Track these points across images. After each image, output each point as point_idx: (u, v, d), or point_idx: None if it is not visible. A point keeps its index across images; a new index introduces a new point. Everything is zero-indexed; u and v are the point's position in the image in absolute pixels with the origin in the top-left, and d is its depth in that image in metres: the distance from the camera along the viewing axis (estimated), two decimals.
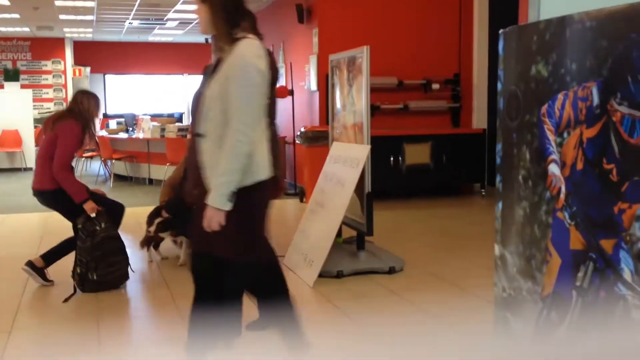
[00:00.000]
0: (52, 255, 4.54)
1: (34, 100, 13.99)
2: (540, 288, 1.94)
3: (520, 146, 2.00)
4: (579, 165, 1.78)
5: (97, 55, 16.46)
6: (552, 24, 1.91)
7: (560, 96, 1.85)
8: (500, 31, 2.17)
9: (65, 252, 4.53)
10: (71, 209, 4.38)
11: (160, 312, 4.08)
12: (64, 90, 15.58)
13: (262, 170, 2.65)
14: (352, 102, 5.14)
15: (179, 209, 5.03)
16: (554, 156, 1.87)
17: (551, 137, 1.89)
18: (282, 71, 10.15)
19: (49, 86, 15.49)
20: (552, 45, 1.88)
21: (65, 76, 15.57)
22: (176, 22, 13.19)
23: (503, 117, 2.10)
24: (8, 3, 10.48)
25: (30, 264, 4.49)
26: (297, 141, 8.58)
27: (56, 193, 4.36)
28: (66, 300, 4.22)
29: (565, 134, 1.85)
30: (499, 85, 2.14)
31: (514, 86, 2.04)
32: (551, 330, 1.87)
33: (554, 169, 1.87)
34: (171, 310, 4.03)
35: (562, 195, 1.84)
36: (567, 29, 1.85)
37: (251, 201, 2.64)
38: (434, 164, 8.32)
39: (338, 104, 5.48)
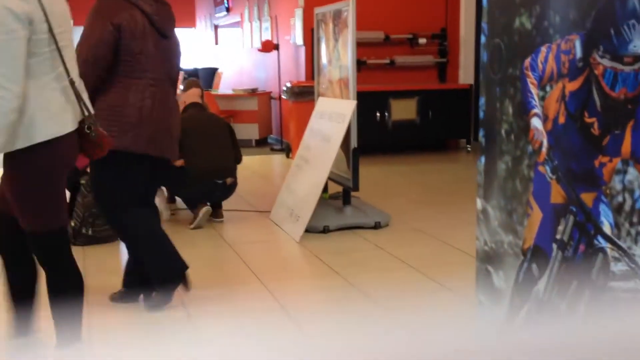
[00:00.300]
0: None
1: None
2: (521, 242, 1.96)
3: (503, 100, 2.00)
4: (561, 119, 1.78)
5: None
6: None
7: (543, 49, 1.83)
8: None
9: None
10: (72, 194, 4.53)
11: None
12: None
13: (44, 129, 2.30)
14: (338, 57, 5.09)
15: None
16: (537, 110, 1.87)
17: (534, 90, 1.88)
18: (267, 25, 10.00)
19: None
20: None
21: None
22: None
23: (486, 70, 2.09)
24: None
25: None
26: (283, 96, 8.52)
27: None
28: None
29: (548, 88, 1.84)
30: (483, 38, 2.12)
31: (498, 39, 2.02)
32: (531, 283, 1.89)
33: (536, 122, 1.87)
34: None
35: (544, 149, 1.85)
36: None
37: (36, 163, 2.35)
38: (420, 119, 8.31)
39: (324, 59, 5.43)
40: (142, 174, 3.20)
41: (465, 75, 8.86)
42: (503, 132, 2.00)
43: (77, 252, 4.22)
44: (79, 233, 4.41)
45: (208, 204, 4.99)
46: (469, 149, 8.61)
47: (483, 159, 2.14)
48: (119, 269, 4.08)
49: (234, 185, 5.15)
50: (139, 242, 3.29)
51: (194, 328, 3.12)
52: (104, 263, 4.15)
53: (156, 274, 3.27)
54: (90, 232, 4.46)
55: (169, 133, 3.22)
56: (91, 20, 3.04)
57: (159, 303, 3.27)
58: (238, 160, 5.27)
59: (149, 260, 3.28)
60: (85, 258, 4.16)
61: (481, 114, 2.14)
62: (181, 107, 5.31)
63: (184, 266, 3.34)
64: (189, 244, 4.59)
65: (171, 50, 3.27)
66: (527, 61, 1.88)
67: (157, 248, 3.30)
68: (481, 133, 2.14)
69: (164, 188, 5.36)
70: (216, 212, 5.14)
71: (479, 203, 2.15)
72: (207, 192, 5.02)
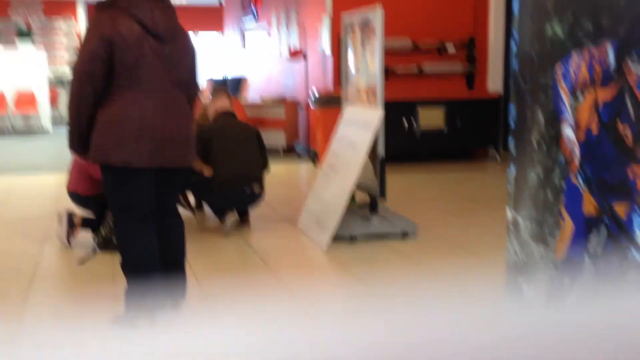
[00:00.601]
0: (91, 221, 4.66)
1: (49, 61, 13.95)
2: (553, 253, 1.92)
3: (535, 109, 1.96)
4: (594, 128, 1.74)
5: None
6: None
7: (575, 56, 1.80)
8: None
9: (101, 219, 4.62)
10: (101, 211, 4.60)
11: None
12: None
13: None
14: (366, 65, 5.08)
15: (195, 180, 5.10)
16: (568, 119, 1.83)
17: (565, 99, 1.84)
18: (295, 32, 10.03)
19: (62, 48, 15.44)
20: (568, 4, 1.83)
21: (80, 38, 15.53)
22: None
23: (517, 79, 2.06)
24: None
25: (70, 215, 4.58)
26: (310, 104, 8.52)
27: (88, 198, 4.62)
28: (82, 262, 4.28)
29: (580, 96, 1.81)
30: (513, 46, 2.09)
31: (529, 47, 1.99)
32: (563, 295, 1.85)
33: (568, 132, 1.83)
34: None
35: (576, 159, 1.81)
36: None
37: None
38: (448, 128, 8.25)
39: (351, 67, 5.42)
40: (144, 187, 3.09)
41: (494, 84, 8.78)
42: (534, 141, 1.96)
43: (107, 259, 4.28)
44: (110, 241, 4.44)
45: (235, 211, 5.01)
46: (498, 158, 8.52)
47: (513, 169, 2.10)
48: None
49: (261, 193, 5.16)
50: (123, 260, 3.20)
51: (219, 334, 3.11)
52: None
53: (126, 295, 3.17)
54: None
55: (174, 141, 3.08)
56: (86, 35, 3.01)
57: (125, 320, 3.14)
58: (266, 168, 5.28)
59: (127, 280, 3.19)
60: (114, 265, 4.19)
61: (512, 123, 2.11)
62: (212, 116, 5.35)
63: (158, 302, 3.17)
64: (216, 251, 4.61)
65: (175, 54, 3.11)
66: (559, 69, 1.85)
67: (137, 274, 3.15)
68: (511, 142, 2.11)
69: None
70: (243, 220, 5.15)
71: (509, 213, 2.12)
72: (234, 199, 5.04)
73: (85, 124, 2.99)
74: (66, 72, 14.72)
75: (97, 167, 4.46)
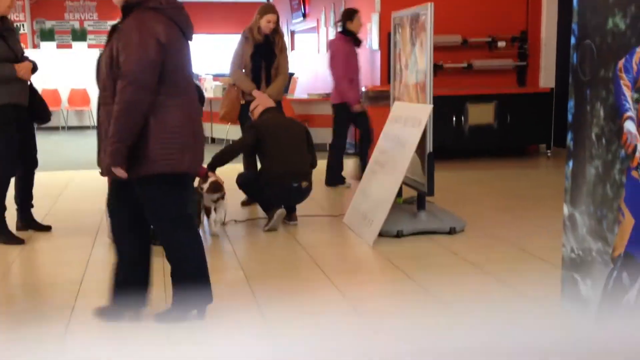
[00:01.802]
0: None
1: None
2: (611, 249, 1.88)
3: (594, 103, 1.92)
4: None
5: None
6: None
7: (639, 50, 1.76)
8: None
9: None
10: None
11: (224, 268, 4.18)
12: None
13: None
14: (415, 61, 5.04)
15: (250, 181, 5.17)
16: (631, 113, 1.79)
17: (628, 93, 1.80)
18: None
19: None
20: None
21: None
22: None
23: (576, 72, 2.02)
24: None
25: None
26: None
27: None
28: None
29: None
30: (572, 40, 2.05)
31: (589, 40, 1.95)
32: (622, 292, 1.81)
33: (629, 126, 1.79)
34: (235, 267, 4.13)
35: (638, 154, 1.77)
36: None
37: None
38: (498, 124, 8.13)
39: (400, 63, 5.39)
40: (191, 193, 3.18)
41: (546, 79, 8.61)
42: (593, 135, 1.92)
43: (157, 250, 4.37)
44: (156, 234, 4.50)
45: (283, 207, 5.05)
46: (549, 154, 8.35)
47: (571, 164, 2.07)
48: None
49: (308, 189, 5.18)
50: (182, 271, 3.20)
51: (267, 326, 3.15)
52: None
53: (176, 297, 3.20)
54: None
55: (203, 146, 3.12)
56: (135, 37, 2.79)
57: (172, 317, 3.16)
58: (313, 164, 5.30)
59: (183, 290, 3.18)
60: (164, 258, 4.27)
61: (570, 117, 2.07)
62: (259, 111, 5.41)
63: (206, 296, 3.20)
64: (264, 246, 4.66)
65: (190, 56, 3.10)
66: (621, 63, 1.81)
67: (199, 283, 3.19)
68: (569, 137, 2.07)
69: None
70: (290, 215, 5.19)
71: (566, 209, 2.08)
72: (282, 194, 5.07)
73: (137, 136, 2.84)
74: None
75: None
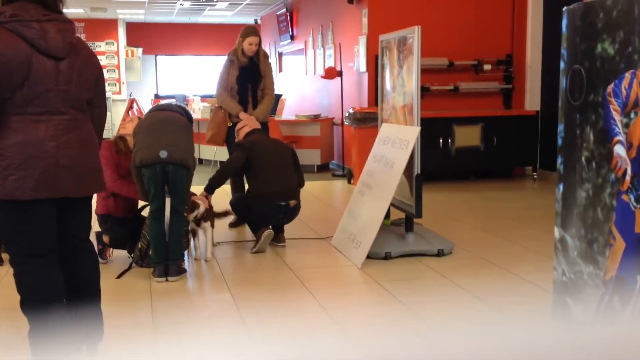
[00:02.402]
0: (123, 241, 4.72)
1: None
2: (603, 272, 1.88)
3: (584, 127, 1.94)
4: None
5: (149, 37, 16.70)
6: (619, 1, 1.84)
7: (627, 75, 1.78)
8: (564, 9, 2.10)
9: (135, 237, 4.63)
10: (134, 228, 4.65)
11: (212, 290, 4.15)
12: (117, 71, 15.87)
13: None
14: (402, 83, 5.08)
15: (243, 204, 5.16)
16: (620, 137, 1.81)
17: (617, 117, 1.82)
18: (330, 52, 10.10)
19: (102, 67, 15.81)
20: (620, 22, 1.81)
21: (118, 57, 15.85)
22: (226, 4, 13.25)
23: (565, 96, 2.04)
24: None
25: (98, 233, 4.64)
26: (345, 122, 8.55)
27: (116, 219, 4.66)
28: (120, 276, 4.33)
29: (632, 114, 1.78)
30: (562, 64, 2.07)
31: (578, 65, 1.98)
32: (613, 315, 1.82)
33: (619, 150, 1.81)
34: (222, 289, 4.10)
35: (628, 178, 1.78)
36: (635, 6, 1.78)
37: None
38: (484, 146, 8.19)
39: (388, 85, 5.43)
40: (37, 220, 2.76)
41: (532, 102, 8.71)
42: (583, 159, 1.94)
43: (144, 273, 4.32)
44: (146, 255, 4.49)
45: (270, 227, 5.03)
46: (535, 176, 8.42)
47: (561, 187, 2.08)
48: (184, 287, 4.14)
49: (297, 207, 5.17)
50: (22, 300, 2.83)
51: (254, 348, 3.12)
52: (169, 283, 4.22)
53: (30, 337, 2.85)
54: None
55: (69, 169, 2.76)
56: None
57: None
58: (301, 184, 5.31)
59: (29, 322, 2.85)
60: (152, 278, 4.24)
61: (560, 141, 2.09)
62: (245, 132, 5.41)
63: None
64: (251, 268, 4.63)
65: (73, 71, 2.78)
66: (610, 87, 1.83)
67: (38, 314, 2.81)
68: (559, 160, 2.09)
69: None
70: (278, 237, 5.17)
71: (557, 232, 2.09)
72: (271, 213, 5.06)
73: None
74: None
75: (123, 185, 4.52)
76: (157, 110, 4.62)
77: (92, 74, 2.89)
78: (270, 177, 5.06)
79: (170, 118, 4.42)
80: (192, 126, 4.62)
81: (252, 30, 5.85)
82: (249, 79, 5.85)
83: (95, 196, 4.53)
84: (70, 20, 2.82)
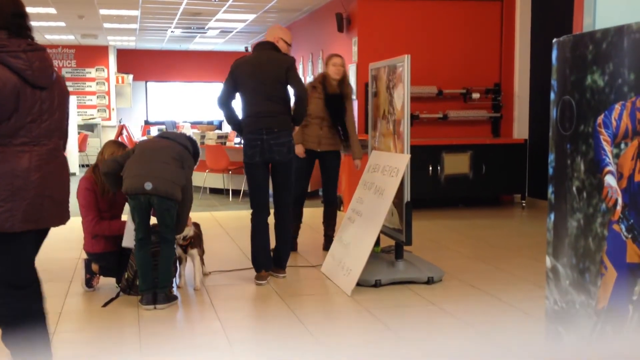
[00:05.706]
0: (111, 271, 4.66)
1: (78, 107, 14.28)
2: (595, 302, 1.89)
3: (575, 157, 1.97)
4: (637, 177, 1.74)
5: (140, 63, 16.75)
6: (609, 33, 1.87)
7: (617, 106, 1.81)
8: (554, 40, 2.14)
9: (123, 265, 4.58)
10: (120, 261, 4.60)
11: (201, 318, 4.11)
12: (107, 97, 15.88)
13: None
14: (392, 111, 5.12)
15: None
16: (611, 167, 1.83)
17: (607, 147, 1.85)
18: None
19: (92, 93, 15.81)
20: (609, 54, 1.84)
21: (109, 83, 15.88)
22: (217, 31, 13.35)
23: (556, 127, 2.07)
24: (55, 11, 10.74)
25: (87, 261, 4.61)
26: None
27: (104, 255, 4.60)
28: (106, 304, 4.28)
29: (622, 145, 1.81)
30: (552, 95, 2.10)
31: (568, 96, 2.01)
32: (606, 345, 1.82)
33: (610, 180, 1.83)
34: (211, 317, 4.06)
35: (619, 207, 1.80)
36: (625, 39, 1.81)
37: None
38: (473, 174, 8.24)
39: (378, 113, 5.46)
40: (24, 252, 2.79)
41: (520, 130, 8.79)
42: (574, 189, 1.96)
43: (132, 301, 4.28)
44: (133, 284, 4.44)
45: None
46: (523, 204, 8.46)
47: (552, 216, 2.09)
48: (173, 315, 4.10)
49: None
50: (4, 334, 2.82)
51: None
52: (157, 311, 4.18)
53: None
54: None
55: (53, 199, 2.76)
56: None
57: None
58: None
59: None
60: (140, 306, 4.20)
61: (550, 171, 2.11)
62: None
63: None
64: (239, 296, 4.59)
65: (53, 101, 2.77)
66: (600, 118, 1.86)
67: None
68: (550, 190, 2.11)
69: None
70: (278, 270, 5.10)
71: (549, 261, 2.10)
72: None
73: None
74: (94, 117, 15.07)
75: (104, 226, 4.48)
76: (158, 137, 4.61)
77: (67, 101, 2.89)
78: None
79: (164, 147, 4.34)
80: (195, 160, 4.52)
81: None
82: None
83: (82, 234, 4.47)
84: (45, 47, 2.82)
